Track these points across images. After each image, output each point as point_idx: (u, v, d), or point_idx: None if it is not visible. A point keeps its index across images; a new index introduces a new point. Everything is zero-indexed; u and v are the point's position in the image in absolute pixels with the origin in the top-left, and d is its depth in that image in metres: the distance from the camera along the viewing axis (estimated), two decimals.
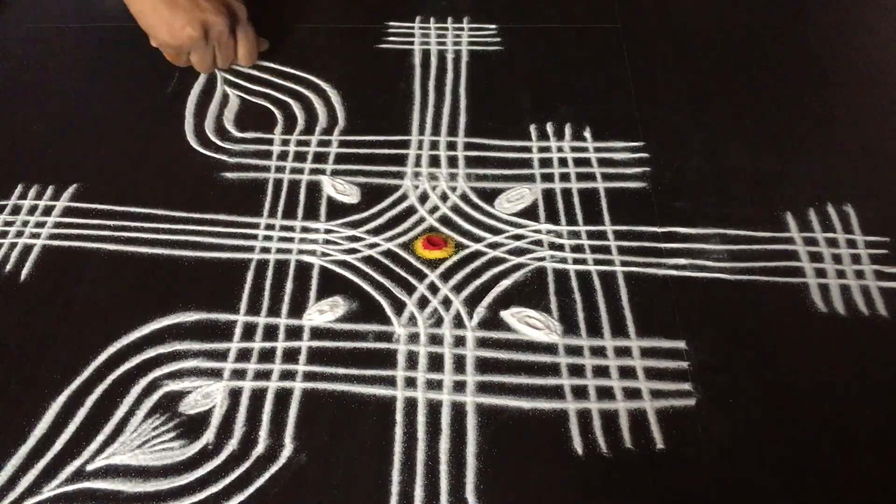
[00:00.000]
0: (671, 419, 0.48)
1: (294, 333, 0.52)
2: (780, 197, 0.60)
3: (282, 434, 0.48)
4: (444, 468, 0.46)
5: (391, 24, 0.76)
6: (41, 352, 0.52)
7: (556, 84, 0.70)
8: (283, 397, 0.49)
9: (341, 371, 0.50)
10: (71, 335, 0.53)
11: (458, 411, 0.48)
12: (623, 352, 0.51)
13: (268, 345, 0.52)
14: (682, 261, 0.56)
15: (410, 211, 0.60)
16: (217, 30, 0.62)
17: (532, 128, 0.66)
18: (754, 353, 0.51)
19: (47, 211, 0.60)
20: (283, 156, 0.64)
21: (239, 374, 0.50)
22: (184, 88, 0.70)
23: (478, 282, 0.55)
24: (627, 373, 0.50)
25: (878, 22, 0.76)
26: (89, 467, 0.46)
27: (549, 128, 0.66)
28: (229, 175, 0.63)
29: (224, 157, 0.64)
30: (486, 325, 0.53)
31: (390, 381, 0.50)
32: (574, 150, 0.64)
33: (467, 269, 0.56)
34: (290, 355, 0.51)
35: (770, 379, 0.50)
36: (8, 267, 0.57)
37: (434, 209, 0.60)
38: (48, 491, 0.45)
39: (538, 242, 0.57)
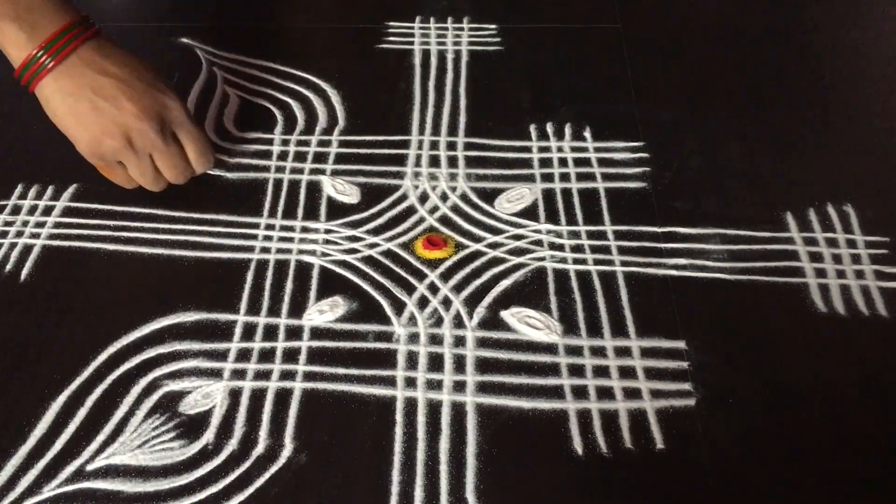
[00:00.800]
0: (671, 419, 0.48)
1: (294, 333, 0.52)
2: (780, 197, 0.60)
3: (282, 434, 0.48)
4: (444, 468, 0.46)
5: (391, 24, 0.76)
6: (41, 352, 0.52)
7: (556, 84, 0.70)
8: (283, 397, 0.49)
9: (341, 371, 0.50)
10: (71, 335, 0.53)
11: (458, 411, 0.48)
12: (623, 352, 0.51)
13: (268, 345, 0.52)
14: (682, 261, 0.56)
15: (410, 211, 0.60)
16: (145, 137, 0.51)
17: (532, 128, 0.66)
18: (754, 353, 0.51)
19: (47, 211, 0.60)
20: (283, 156, 0.64)
21: (239, 374, 0.50)
22: (184, 88, 0.70)
23: (478, 282, 0.55)
24: (627, 373, 0.50)
25: (878, 22, 0.76)
26: (89, 467, 0.46)
27: (549, 128, 0.66)
28: (229, 175, 0.63)
29: (224, 157, 0.64)
30: (486, 325, 0.53)
31: (390, 381, 0.50)
32: (574, 150, 0.64)
33: (467, 269, 0.56)
34: (290, 355, 0.51)
35: (770, 379, 0.50)
36: (8, 267, 0.57)
37: (434, 209, 0.60)
38: (48, 491, 0.45)
39: (538, 242, 0.57)
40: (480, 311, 0.53)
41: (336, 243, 0.58)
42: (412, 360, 0.51)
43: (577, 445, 0.47)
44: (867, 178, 0.61)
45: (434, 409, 0.48)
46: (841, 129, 0.65)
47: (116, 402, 0.49)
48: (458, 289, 0.55)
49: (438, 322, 0.53)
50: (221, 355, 0.51)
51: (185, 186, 0.61)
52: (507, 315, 0.53)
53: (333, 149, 0.64)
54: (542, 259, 0.56)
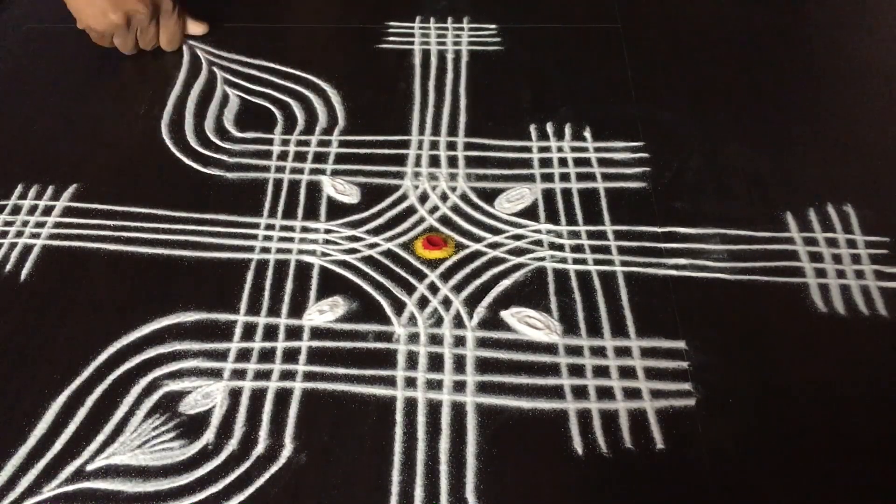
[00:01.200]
0: (671, 419, 0.48)
1: (294, 333, 0.52)
2: (780, 197, 0.60)
3: (282, 434, 0.48)
4: (444, 468, 0.46)
5: (391, 24, 0.76)
6: (41, 352, 0.52)
7: (556, 84, 0.70)
8: (283, 397, 0.49)
9: (341, 371, 0.50)
10: (71, 335, 0.53)
11: (458, 411, 0.48)
12: (623, 352, 0.51)
13: (268, 345, 0.52)
14: (682, 261, 0.56)
15: (410, 211, 0.60)
16: (139, 18, 0.65)
17: (532, 128, 0.66)
18: (754, 353, 0.51)
19: (47, 211, 0.60)
20: (283, 156, 0.64)
21: (239, 374, 0.50)
22: (184, 88, 0.70)
23: (478, 282, 0.55)
24: (627, 373, 0.50)
25: (877, 22, 0.76)
26: (89, 467, 0.46)
27: (549, 128, 0.66)
28: (229, 175, 0.63)
29: (224, 157, 0.64)
30: (486, 325, 0.53)
31: (390, 381, 0.50)
32: (574, 150, 0.64)
33: (467, 269, 0.56)
34: (290, 355, 0.51)
35: (770, 379, 0.50)
36: (8, 267, 0.57)
37: (434, 209, 0.60)
38: (48, 491, 0.45)
39: (538, 242, 0.57)
40: (480, 311, 0.53)
41: (336, 243, 0.58)
42: (412, 360, 0.51)
43: (577, 445, 0.47)
44: (867, 178, 0.61)
45: (434, 409, 0.48)
46: (841, 130, 0.65)
47: (116, 402, 0.49)
48: (458, 289, 0.55)
49: (438, 322, 0.53)
50: (221, 355, 0.51)
51: (185, 186, 0.62)
52: (507, 315, 0.53)
53: (333, 149, 0.64)
54: (542, 259, 0.56)
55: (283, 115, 0.67)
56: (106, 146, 0.65)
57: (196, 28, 0.72)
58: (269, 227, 0.59)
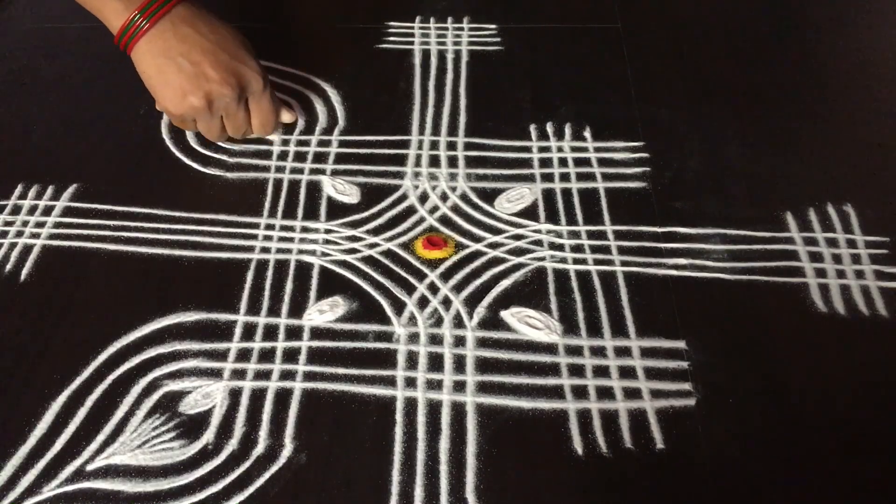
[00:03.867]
0: (671, 419, 0.48)
1: (294, 333, 0.52)
2: (780, 197, 0.60)
3: (282, 434, 0.48)
4: (444, 468, 0.46)
5: (391, 24, 0.76)
6: (41, 352, 0.52)
7: (556, 84, 0.70)
8: (283, 397, 0.49)
9: (341, 371, 0.50)
10: (71, 335, 0.53)
11: (458, 411, 0.48)
12: (623, 352, 0.51)
13: (268, 345, 0.52)
14: (682, 261, 0.56)
15: (410, 211, 0.60)
16: (223, 101, 0.57)
17: (532, 128, 0.66)
18: (754, 353, 0.51)
19: (47, 211, 0.60)
20: (283, 156, 0.64)
21: (239, 374, 0.50)
22: None
23: (478, 282, 0.55)
24: (627, 373, 0.50)
25: (878, 22, 0.76)
26: (89, 467, 0.46)
27: (549, 128, 0.66)
28: (229, 175, 0.63)
29: (224, 157, 0.64)
30: (486, 325, 0.53)
31: (390, 381, 0.50)
32: (574, 150, 0.64)
33: (467, 269, 0.56)
34: (290, 355, 0.51)
35: (770, 379, 0.50)
36: (8, 267, 0.57)
37: (434, 209, 0.60)
38: (48, 491, 0.45)
39: (538, 242, 0.57)
40: (480, 310, 0.53)
41: (336, 243, 0.58)
42: (412, 360, 0.51)
43: (577, 445, 0.47)
44: (867, 178, 0.61)
45: (434, 409, 0.48)
46: (841, 129, 0.65)
47: (116, 402, 0.49)
48: (458, 289, 0.55)
49: (438, 322, 0.53)
50: (221, 355, 0.51)
51: (185, 186, 0.62)
52: (507, 315, 0.53)
53: (333, 149, 0.65)
54: (542, 259, 0.56)
55: None
56: (106, 146, 0.65)
57: (285, 116, 0.63)
58: (269, 227, 0.59)
